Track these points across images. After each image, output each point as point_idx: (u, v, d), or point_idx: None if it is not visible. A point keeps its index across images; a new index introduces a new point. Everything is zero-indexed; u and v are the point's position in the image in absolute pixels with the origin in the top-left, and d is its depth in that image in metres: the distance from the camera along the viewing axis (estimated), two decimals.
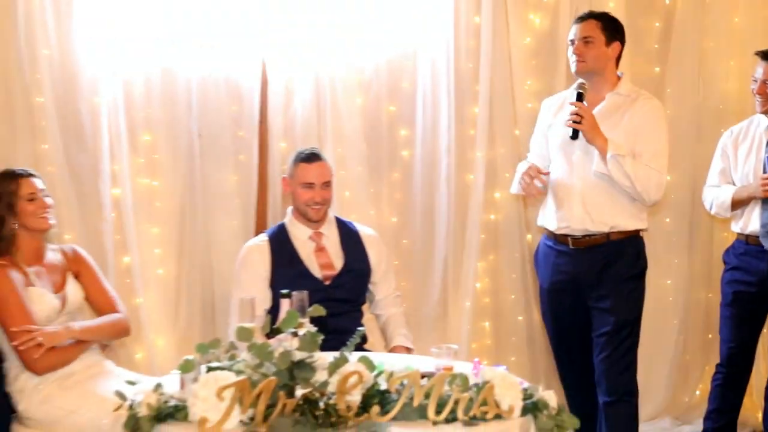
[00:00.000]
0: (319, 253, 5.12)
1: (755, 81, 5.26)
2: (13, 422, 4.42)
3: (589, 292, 5.02)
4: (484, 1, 6.09)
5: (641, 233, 5.09)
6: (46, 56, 5.65)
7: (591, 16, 5.01)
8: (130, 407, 3.43)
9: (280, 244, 5.11)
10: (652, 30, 6.29)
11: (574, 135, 4.85)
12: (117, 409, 3.56)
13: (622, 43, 5.03)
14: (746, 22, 6.31)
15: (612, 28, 4.97)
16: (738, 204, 5.27)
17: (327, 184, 5.11)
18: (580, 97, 4.88)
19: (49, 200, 4.63)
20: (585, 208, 4.93)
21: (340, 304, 4.78)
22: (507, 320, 6.32)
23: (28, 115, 5.64)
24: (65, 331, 4.43)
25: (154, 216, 5.94)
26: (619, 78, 5.04)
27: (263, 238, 5.19)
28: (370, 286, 5.24)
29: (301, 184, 5.06)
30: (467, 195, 6.21)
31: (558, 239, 5.09)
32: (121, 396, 3.53)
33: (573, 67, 5.01)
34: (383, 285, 5.26)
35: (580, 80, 4.97)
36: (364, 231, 5.32)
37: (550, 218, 5.13)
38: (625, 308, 4.99)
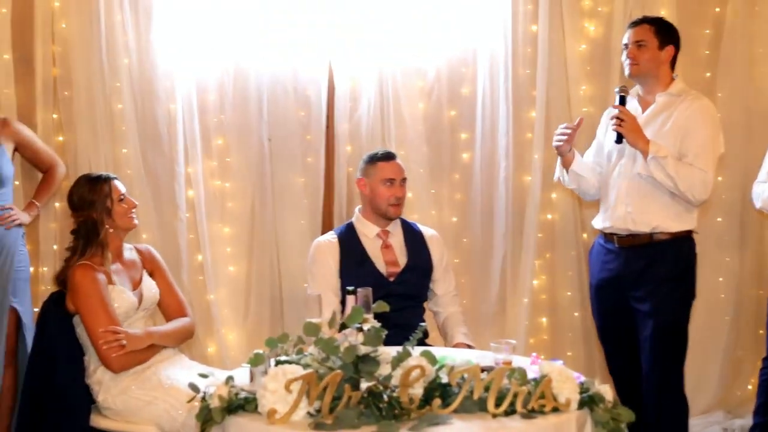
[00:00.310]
0: (385, 251, 5.13)
1: None
2: (93, 413, 4.46)
3: (630, 292, 4.97)
4: (541, 10, 6.06)
5: (692, 234, 5.00)
6: (125, 65, 5.76)
7: (645, 20, 4.94)
8: (203, 399, 3.48)
9: (349, 241, 5.13)
10: (703, 37, 6.21)
11: (618, 139, 4.81)
12: (191, 401, 3.64)
13: (677, 46, 4.97)
14: None
15: (665, 32, 4.91)
16: None
17: (404, 181, 5.15)
18: (622, 101, 4.85)
19: (133, 200, 4.70)
20: (627, 209, 4.88)
21: (402, 300, 4.78)
22: (563, 316, 6.28)
23: (109, 121, 5.75)
24: (146, 336, 4.48)
25: (225, 216, 6.01)
26: (673, 80, 4.97)
27: (332, 235, 5.21)
28: (431, 284, 5.23)
29: (382, 181, 5.06)
30: (525, 195, 6.17)
31: (606, 237, 5.06)
32: (195, 388, 3.59)
33: (626, 70, 4.95)
34: (443, 283, 5.24)
35: (623, 85, 4.94)
36: (427, 231, 5.32)
37: (599, 218, 5.11)
38: (665, 311, 4.90)
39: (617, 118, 4.79)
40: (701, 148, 4.84)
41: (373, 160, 5.14)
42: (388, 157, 5.15)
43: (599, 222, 5.11)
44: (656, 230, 4.88)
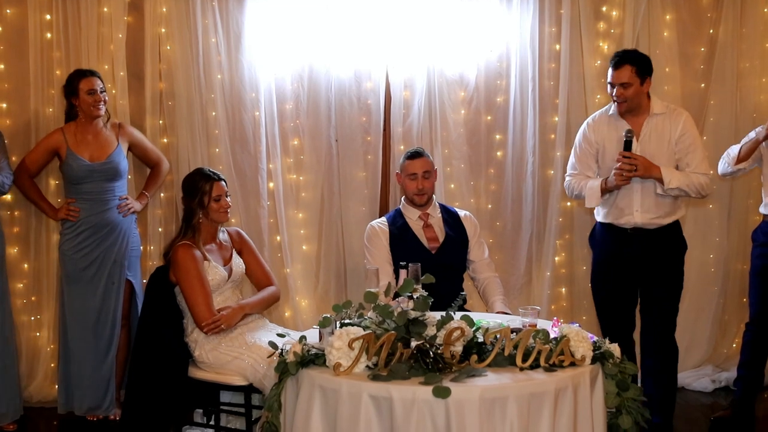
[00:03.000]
0: (427, 229, 5.11)
1: None
2: (190, 365, 4.50)
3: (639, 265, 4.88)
4: (563, 32, 6.01)
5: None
6: (219, 80, 5.80)
7: (625, 61, 4.73)
8: (281, 354, 3.51)
9: (396, 223, 5.12)
10: (699, 54, 6.11)
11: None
12: (270, 356, 3.69)
13: (651, 74, 4.80)
14: None
15: (643, 68, 4.74)
16: (747, 154, 5.02)
17: (427, 174, 5.09)
18: (628, 146, 4.69)
19: (229, 200, 4.67)
20: (642, 214, 4.81)
21: (444, 270, 4.68)
22: (579, 286, 6.21)
23: (204, 126, 5.79)
24: (239, 309, 4.50)
25: (300, 204, 6.01)
26: (649, 99, 4.84)
27: (383, 219, 5.21)
28: (468, 254, 5.19)
29: (408, 175, 5.08)
30: (548, 186, 6.13)
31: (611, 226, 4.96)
32: (274, 346, 3.63)
33: (615, 108, 4.83)
34: (477, 251, 5.19)
35: (629, 129, 4.74)
36: (461, 212, 5.28)
37: (606, 214, 4.97)
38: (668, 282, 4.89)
39: (629, 165, 4.66)
40: (700, 158, 4.78)
41: (404, 158, 5.16)
42: (412, 156, 5.13)
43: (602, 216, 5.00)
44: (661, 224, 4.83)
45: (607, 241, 5.00)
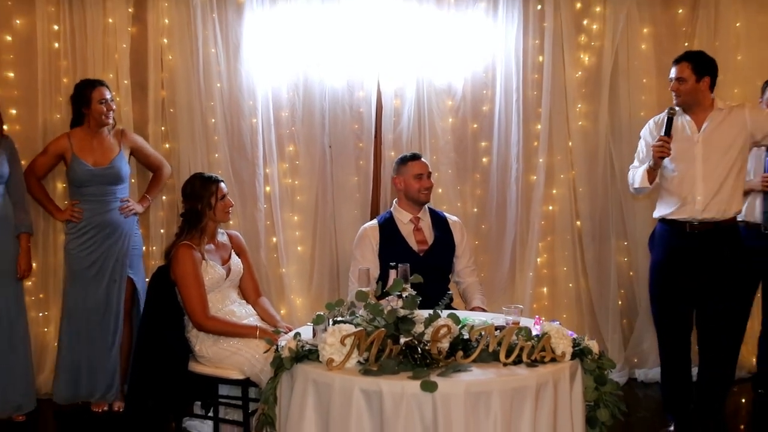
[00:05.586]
0: (416, 232, 5.10)
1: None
2: (190, 360, 4.50)
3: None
4: (546, 44, 6.03)
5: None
6: (218, 88, 5.80)
7: (684, 58, 4.75)
8: (276, 350, 3.52)
9: (388, 226, 5.11)
10: None
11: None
12: (266, 352, 3.71)
13: (713, 75, 4.76)
14: (746, 60, 6.17)
15: (701, 66, 4.71)
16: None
17: (430, 174, 5.14)
18: (669, 122, 4.65)
19: (231, 200, 4.71)
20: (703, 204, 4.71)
21: (431, 272, 4.64)
22: (560, 287, 6.23)
23: (204, 132, 5.79)
24: (259, 332, 4.44)
25: (295, 207, 6.00)
26: (713, 100, 4.77)
27: (374, 222, 5.19)
28: (454, 259, 5.18)
29: (414, 176, 5.06)
30: (531, 191, 6.14)
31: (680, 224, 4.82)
32: (270, 342, 3.65)
33: (674, 101, 4.77)
34: (463, 258, 5.18)
35: (671, 107, 4.72)
36: (450, 217, 5.27)
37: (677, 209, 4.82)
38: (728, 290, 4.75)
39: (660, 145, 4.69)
40: None
41: (405, 160, 5.13)
42: (416, 157, 5.14)
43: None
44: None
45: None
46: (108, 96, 5.27)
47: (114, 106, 5.34)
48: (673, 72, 4.77)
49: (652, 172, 4.79)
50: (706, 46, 5.96)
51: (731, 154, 4.68)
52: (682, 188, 4.74)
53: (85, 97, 5.27)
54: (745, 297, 5.09)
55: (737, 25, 6.19)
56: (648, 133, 4.96)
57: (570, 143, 6.18)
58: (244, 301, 4.80)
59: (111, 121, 5.32)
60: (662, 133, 4.69)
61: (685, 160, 4.73)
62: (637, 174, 4.90)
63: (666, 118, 4.70)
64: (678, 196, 4.75)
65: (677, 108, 4.75)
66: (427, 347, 3.31)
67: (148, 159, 5.59)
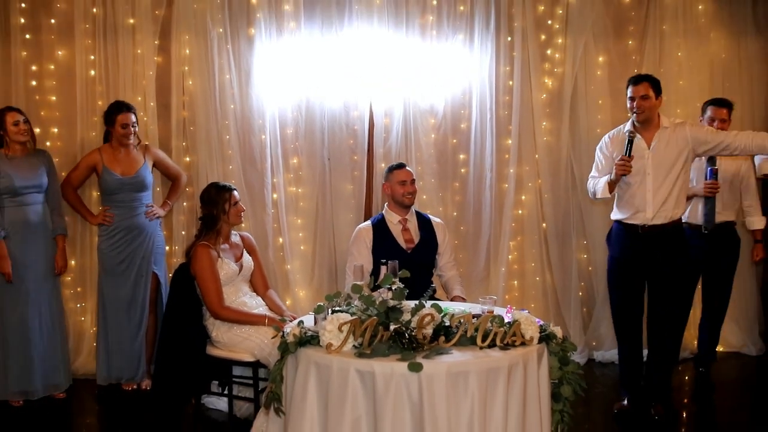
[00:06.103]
0: (404, 232, 5.09)
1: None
2: (208, 344, 4.52)
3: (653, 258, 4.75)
4: (516, 70, 6.03)
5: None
6: (231, 109, 5.77)
7: (644, 78, 4.72)
8: (282, 336, 3.49)
9: (380, 226, 5.10)
10: (625, 89, 6.06)
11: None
12: (274, 337, 3.70)
13: (662, 94, 4.77)
14: (687, 85, 6.19)
15: (657, 86, 4.73)
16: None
17: (413, 181, 5.12)
18: (630, 143, 4.62)
19: (242, 206, 4.74)
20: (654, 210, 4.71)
21: (417, 267, 4.64)
22: (528, 280, 6.22)
23: (220, 147, 5.76)
24: (268, 320, 4.45)
25: (298, 212, 5.98)
26: (659, 116, 4.77)
27: (368, 223, 5.18)
28: (437, 256, 5.17)
29: (399, 182, 5.05)
30: (503, 197, 6.13)
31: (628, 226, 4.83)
32: (277, 329, 3.65)
33: (635, 117, 4.71)
34: (445, 255, 5.17)
35: (629, 129, 4.69)
36: (434, 219, 5.26)
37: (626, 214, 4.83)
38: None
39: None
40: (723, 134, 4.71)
41: (391, 169, 5.14)
42: (400, 166, 5.15)
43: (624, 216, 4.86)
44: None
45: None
46: (131, 121, 5.26)
47: (136, 130, 5.32)
48: (632, 91, 4.72)
49: (613, 185, 4.78)
50: (652, 72, 5.94)
51: (677, 167, 4.69)
52: (635, 200, 4.75)
53: (111, 118, 5.27)
54: (688, 289, 5.12)
55: (679, 54, 6.21)
56: (604, 147, 4.95)
57: (536, 156, 6.17)
58: (254, 294, 4.79)
59: (131, 141, 5.30)
60: (624, 154, 4.66)
61: (639, 174, 4.73)
62: (598, 185, 4.88)
63: (627, 140, 4.66)
64: (632, 206, 4.77)
65: (635, 132, 4.70)
66: (413, 333, 3.30)
67: (168, 170, 5.57)
